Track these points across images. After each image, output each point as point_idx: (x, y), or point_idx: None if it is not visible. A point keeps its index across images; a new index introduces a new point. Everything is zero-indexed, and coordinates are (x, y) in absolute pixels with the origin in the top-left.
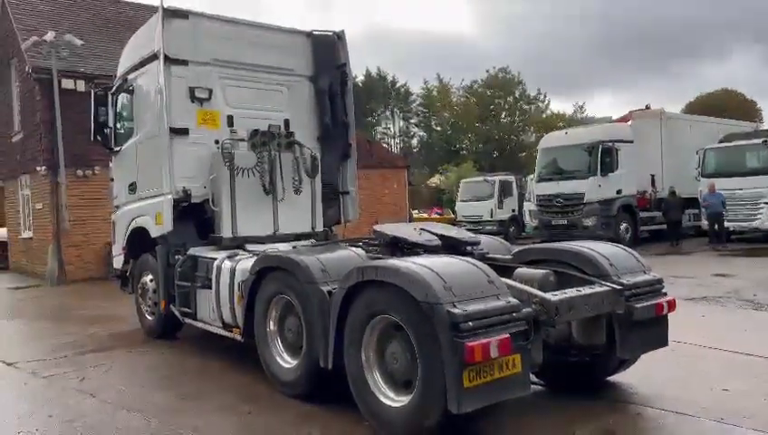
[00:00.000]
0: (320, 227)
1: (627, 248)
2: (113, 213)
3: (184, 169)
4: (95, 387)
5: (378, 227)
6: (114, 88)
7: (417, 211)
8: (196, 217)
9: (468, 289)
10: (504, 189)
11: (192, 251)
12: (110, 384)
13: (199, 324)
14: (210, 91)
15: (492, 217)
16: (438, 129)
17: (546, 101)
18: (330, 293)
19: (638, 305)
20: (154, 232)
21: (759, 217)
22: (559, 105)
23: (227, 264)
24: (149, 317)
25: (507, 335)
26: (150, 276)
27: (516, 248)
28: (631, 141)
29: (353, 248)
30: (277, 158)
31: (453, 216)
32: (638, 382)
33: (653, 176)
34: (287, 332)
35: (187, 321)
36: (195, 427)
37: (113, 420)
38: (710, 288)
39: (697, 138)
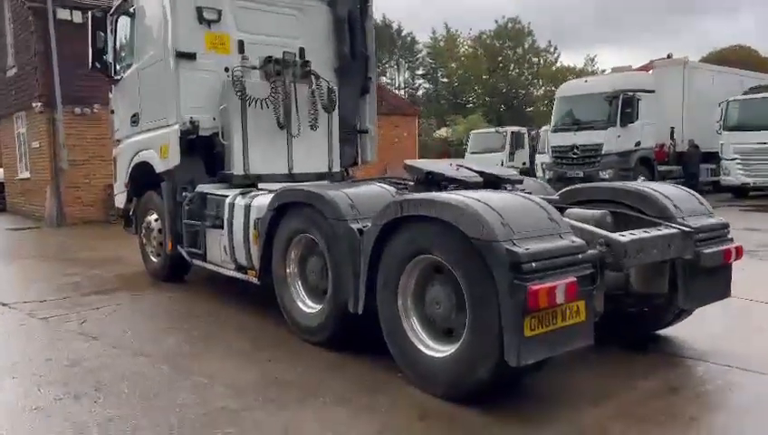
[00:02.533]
0: (337, 168)
1: (687, 189)
2: (114, 148)
3: (191, 98)
4: (98, 330)
5: (409, 162)
6: (113, 9)
7: None
8: (204, 152)
9: (528, 227)
10: (516, 141)
11: (200, 188)
12: (114, 327)
13: (210, 266)
14: (219, 13)
15: None
16: (445, 80)
17: (556, 54)
18: (360, 231)
19: (706, 251)
20: (159, 167)
21: None
22: (569, 59)
23: (241, 201)
24: (155, 259)
25: (574, 279)
26: (155, 215)
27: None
28: (653, 91)
29: (381, 184)
30: (292, 89)
31: None
32: (690, 336)
33: (673, 128)
34: (309, 274)
35: (196, 262)
36: (210, 374)
37: (118, 365)
38: (743, 242)
39: (720, 90)
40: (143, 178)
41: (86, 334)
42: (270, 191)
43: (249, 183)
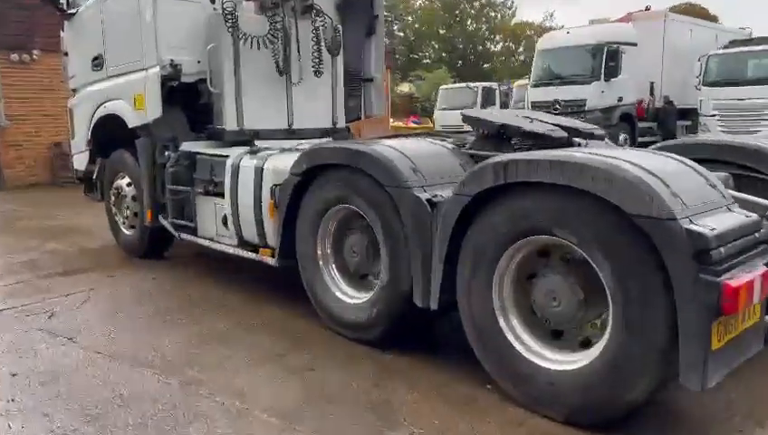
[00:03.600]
0: (342, 123)
1: None
2: (70, 98)
3: (171, 35)
4: (72, 327)
5: (471, 113)
6: None
7: (391, 120)
8: (187, 103)
9: (697, 198)
10: (487, 97)
11: (187, 146)
12: (93, 323)
13: (202, 241)
14: None
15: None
16: (401, 34)
17: (513, 9)
18: (430, 202)
19: None
20: (133, 120)
21: (762, 128)
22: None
23: (249, 162)
24: (128, 231)
25: (766, 268)
26: (127, 180)
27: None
28: (635, 44)
29: (429, 139)
30: (293, 26)
31: (431, 124)
32: None
33: (652, 84)
34: (350, 255)
35: (184, 237)
36: (238, 392)
37: (109, 382)
38: None
39: (697, 45)
40: (110, 134)
41: (57, 334)
42: (283, 150)
43: (245, 140)
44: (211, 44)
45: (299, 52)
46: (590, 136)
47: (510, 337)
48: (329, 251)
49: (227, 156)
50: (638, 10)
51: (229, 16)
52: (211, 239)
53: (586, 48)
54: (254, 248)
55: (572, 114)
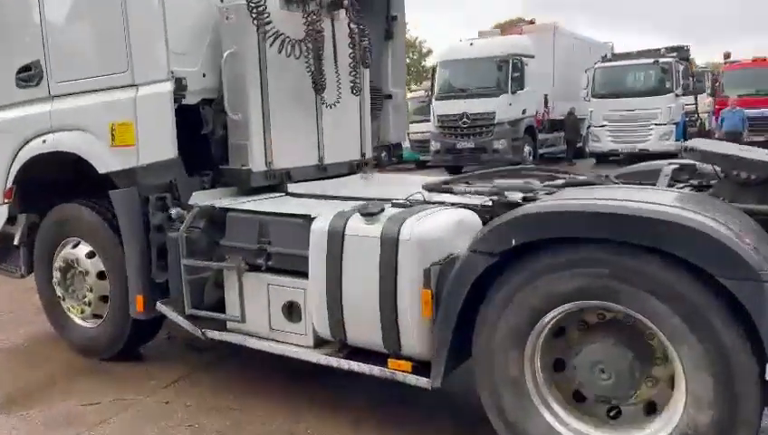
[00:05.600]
0: (369, 152)
1: None
2: None
3: (173, 36)
4: None
5: (708, 147)
6: None
7: None
8: (181, 135)
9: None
10: None
11: (199, 199)
12: None
13: (244, 340)
14: None
15: None
16: None
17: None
18: None
19: None
20: (108, 163)
21: (648, 138)
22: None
23: (367, 227)
24: (86, 323)
25: None
26: (88, 248)
27: None
28: (533, 56)
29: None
30: (330, 27)
31: None
32: None
33: (546, 95)
34: (588, 375)
35: (212, 335)
36: None
37: None
38: None
39: (578, 58)
40: (40, 179)
41: None
42: (409, 205)
43: (274, 184)
44: (228, 50)
45: (336, 62)
46: None
47: None
48: (540, 370)
49: (305, 216)
50: (528, 22)
51: (255, 8)
52: (258, 336)
53: (492, 60)
54: (381, 358)
55: (480, 127)
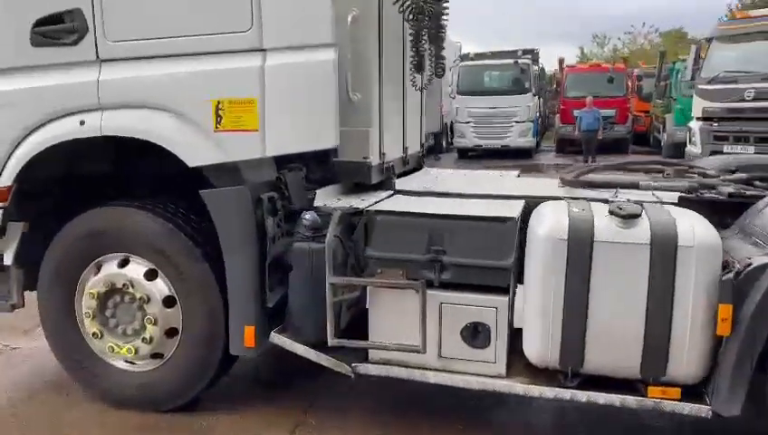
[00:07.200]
0: (420, 145)
1: None
2: None
3: None
4: None
5: None
6: None
7: None
8: None
9: None
10: None
11: (332, 202)
12: None
13: (415, 375)
14: None
15: None
16: None
17: None
18: None
19: None
20: (203, 153)
21: (509, 135)
22: None
23: (623, 232)
24: (140, 364)
25: None
26: (146, 266)
27: None
28: None
29: None
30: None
31: None
32: None
33: None
34: None
35: (367, 370)
36: None
37: None
38: None
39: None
40: (58, 176)
41: None
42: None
43: (384, 180)
44: (352, 11)
45: (430, 39)
46: None
47: None
48: None
49: (502, 218)
50: None
51: None
52: (423, 368)
53: None
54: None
55: None
